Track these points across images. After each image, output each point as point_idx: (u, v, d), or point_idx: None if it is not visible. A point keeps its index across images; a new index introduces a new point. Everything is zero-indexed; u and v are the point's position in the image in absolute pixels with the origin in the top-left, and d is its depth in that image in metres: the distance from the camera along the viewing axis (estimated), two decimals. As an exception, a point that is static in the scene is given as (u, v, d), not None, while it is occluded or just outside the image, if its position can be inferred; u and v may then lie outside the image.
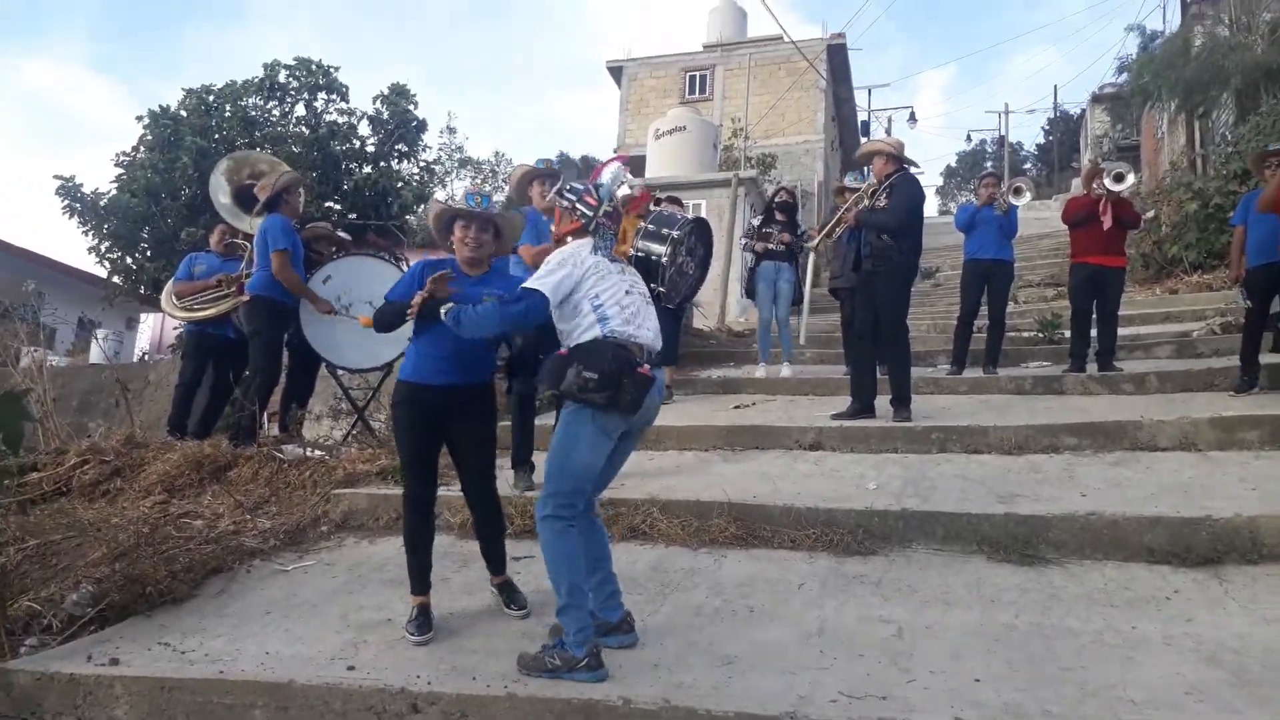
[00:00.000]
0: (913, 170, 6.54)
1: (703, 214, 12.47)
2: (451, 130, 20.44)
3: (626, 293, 3.30)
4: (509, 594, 3.79)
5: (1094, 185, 7.62)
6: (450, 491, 5.19)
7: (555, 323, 3.30)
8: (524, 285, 3.27)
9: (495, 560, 3.86)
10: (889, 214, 6.27)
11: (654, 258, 3.51)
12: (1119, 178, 7.43)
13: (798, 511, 4.43)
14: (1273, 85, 13.22)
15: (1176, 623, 3.29)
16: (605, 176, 3.53)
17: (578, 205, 3.45)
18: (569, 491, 3.17)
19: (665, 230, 3.56)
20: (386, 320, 3.70)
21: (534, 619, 3.63)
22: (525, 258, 5.30)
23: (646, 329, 3.30)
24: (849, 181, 7.91)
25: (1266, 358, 6.52)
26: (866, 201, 6.62)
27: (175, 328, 7.78)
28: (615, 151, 28.29)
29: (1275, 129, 11.06)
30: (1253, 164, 7.24)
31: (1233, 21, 15.64)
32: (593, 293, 3.24)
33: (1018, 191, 8.08)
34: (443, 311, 3.41)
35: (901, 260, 6.24)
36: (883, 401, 6.26)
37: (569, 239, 3.46)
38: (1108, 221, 7.41)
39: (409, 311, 3.56)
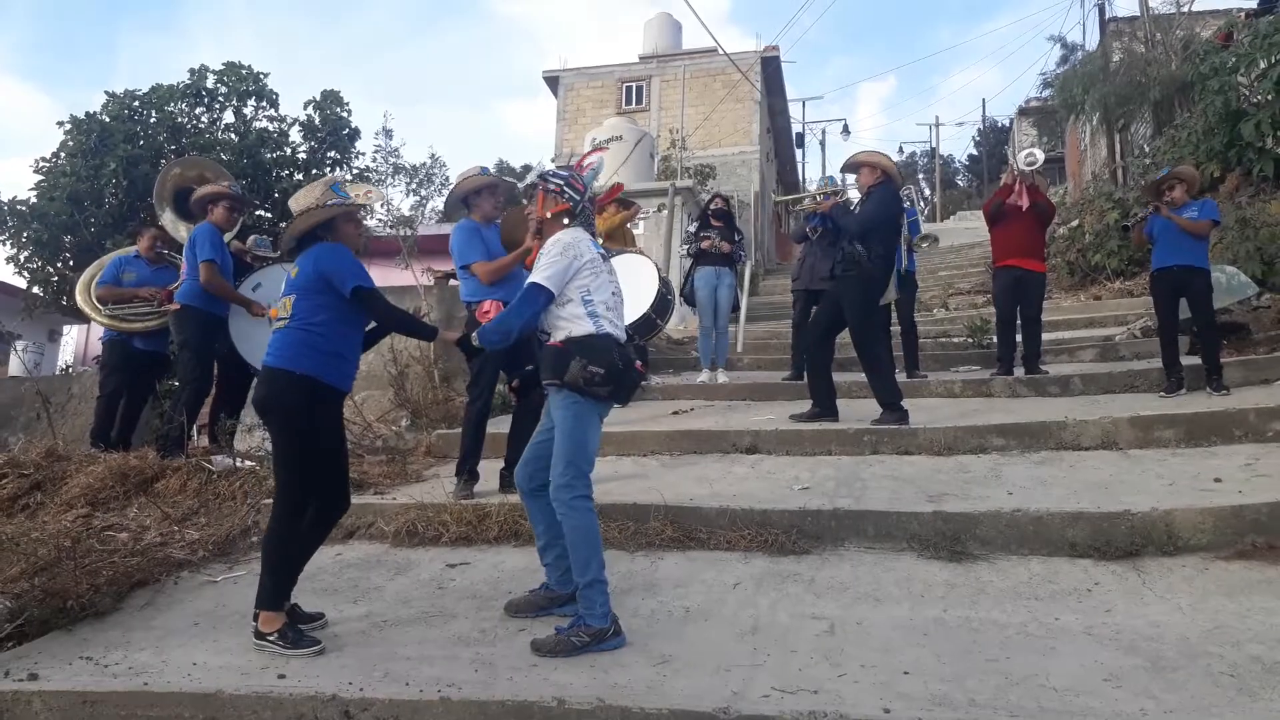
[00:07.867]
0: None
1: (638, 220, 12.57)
2: (388, 133, 20.11)
3: (613, 294, 3.49)
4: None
5: (1007, 174, 7.82)
6: (384, 500, 5.17)
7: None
8: (531, 281, 3.37)
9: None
10: (853, 219, 6.31)
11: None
12: (1030, 159, 7.64)
13: (733, 513, 4.47)
14: (1186, 100, 13.73)
15: (1097, 613, 3.39)
16: (592, 167, 3.71)
17: (565, 189, 3.53)
18: (587, 474, 3.38)
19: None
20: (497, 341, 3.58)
21: (469, 623, 3.60)
22: (481, 276, 5.15)
23: (621, 329, 3.50)
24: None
25: (1187, 360, 6.76)
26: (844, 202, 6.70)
27: (100, 338, 7.52)
28: (553, 160, 28.28)
29: (1189, 141, 11.48)
30: (1148, 193, 7.16)
31: (1149, 38, 16.24)
32: (585, 287, 3.39)
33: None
34: (474, 336, 3.54)
35: (868, 268, 6.20)
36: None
37: (558, 221, 3.54)
38: (1025, 201, 7.50)
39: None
